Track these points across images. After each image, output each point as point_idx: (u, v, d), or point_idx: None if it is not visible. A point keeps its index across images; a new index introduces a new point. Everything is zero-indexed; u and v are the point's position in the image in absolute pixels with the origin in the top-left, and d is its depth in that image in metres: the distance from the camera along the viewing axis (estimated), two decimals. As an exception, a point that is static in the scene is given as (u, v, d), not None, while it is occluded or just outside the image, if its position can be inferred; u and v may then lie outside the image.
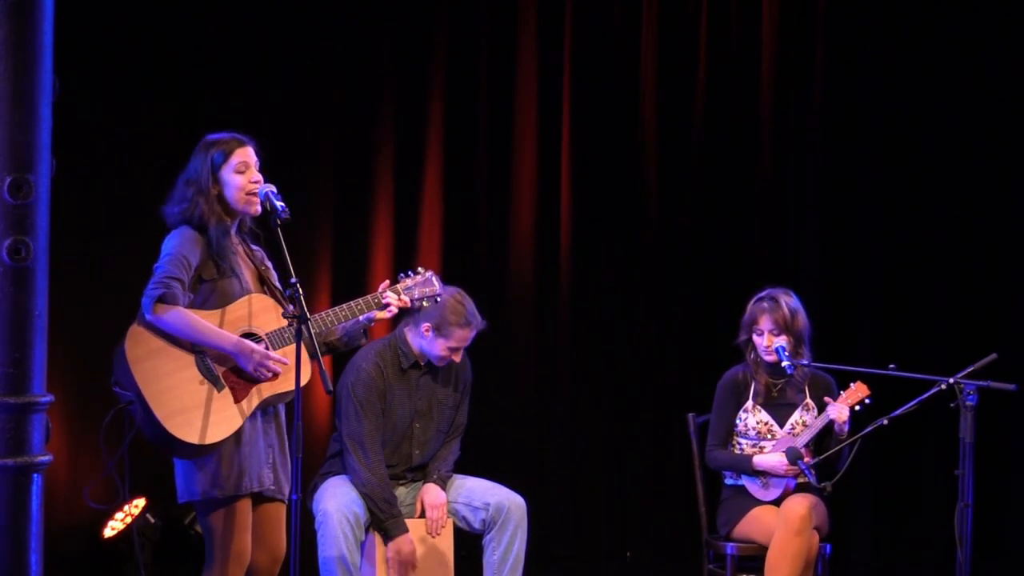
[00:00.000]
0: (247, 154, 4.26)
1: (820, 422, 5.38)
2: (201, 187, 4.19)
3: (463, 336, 5.21)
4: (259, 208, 4.26)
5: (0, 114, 2.78)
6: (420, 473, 5.38)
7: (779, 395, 5.52)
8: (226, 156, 4.22)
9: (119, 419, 4.23)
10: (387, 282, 4.58)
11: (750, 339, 5.50)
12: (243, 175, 4.23)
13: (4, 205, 2.78)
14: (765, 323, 5.43)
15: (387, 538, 5.15)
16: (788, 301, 5.45)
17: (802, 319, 5.45)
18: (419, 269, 4.67)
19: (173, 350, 4.12)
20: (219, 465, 4.16)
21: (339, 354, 4.89)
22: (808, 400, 5.51)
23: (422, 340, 5.25)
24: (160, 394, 4.07)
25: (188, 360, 4.14)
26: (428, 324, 5.18)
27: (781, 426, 5.48)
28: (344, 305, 4.42)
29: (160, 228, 4.28)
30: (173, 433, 4.06)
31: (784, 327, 5.40)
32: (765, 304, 5.45)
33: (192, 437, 4.08)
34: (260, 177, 4.26)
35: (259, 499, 4.31)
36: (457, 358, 5.27)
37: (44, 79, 2.83)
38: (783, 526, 5.25)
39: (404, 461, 5.34)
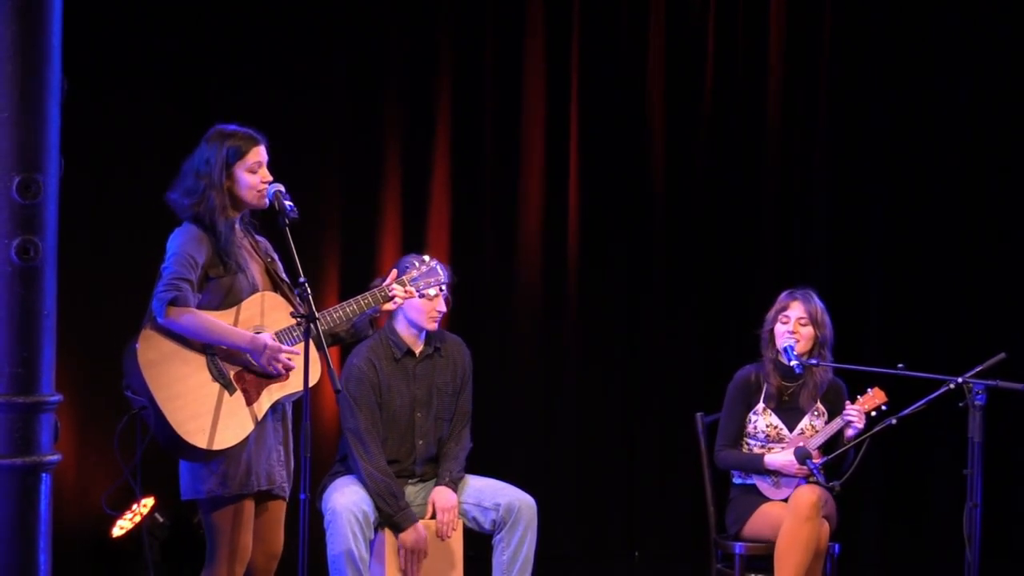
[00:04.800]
0: (261, 153, 4.26)
1: (834, 426, 5.38)
2: (213, 181, 4.17)
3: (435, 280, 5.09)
4: (267, 202, 4.26)
5: (8, 114, 2.78)
6: (430, 470, 5.37)
7: (790, 399, 5.52)
8: (241, 153, 4.21)
9: (132, 424, 4.22)
10: (394, 272, 4.58)
11: (772, 331, 5.50)
12: (256, 174, 4.23)
13: (13, 205, 2.78)
14: (795, 310, 5.46)
15: (398, 531, 5.15)
16: (818, 300, 5.52)
17: (828, 321, 5.50)
18: (424, 258, 4.66)
19: (185, 353, 4.11)
20: (226, 464, 4.15)
21: (346, 345, 4.87)
22: (819, 405, 5.51)
23: (405, 314, 5.23)
24: (173, 399, 4.06)
25: (200, 363, 4.13)
26: None
27: (791, 431, 5.48)
28: (351, 300, 4.42)
29: (169, 227, 4.26)
30: (187, 439, 4.05)
31: (813, 319, 5.45)
32: (798, 295, 5.51)
33: (206, 443, 4.07)
34: (270, 177, 4.27)
35: (262, 496, 4.29)
36: (442, 307, 5.21)
37: (52, 79, 2.83)
38: (792, 514, 5.24)
39: (409, 453, 5.33)
